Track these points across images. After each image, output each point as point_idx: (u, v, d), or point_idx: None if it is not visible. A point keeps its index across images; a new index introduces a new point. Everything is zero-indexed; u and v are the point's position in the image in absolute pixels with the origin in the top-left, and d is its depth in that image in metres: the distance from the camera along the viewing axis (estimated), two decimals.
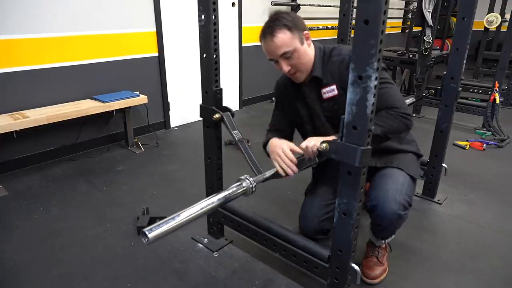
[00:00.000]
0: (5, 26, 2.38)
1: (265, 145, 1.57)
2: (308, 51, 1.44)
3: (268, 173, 1.52)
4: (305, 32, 1.42)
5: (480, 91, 4.38)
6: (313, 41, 1.49)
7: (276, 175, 1.46)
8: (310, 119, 1.59)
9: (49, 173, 2.59)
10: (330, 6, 4.87)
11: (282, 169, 1.37)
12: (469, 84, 4.58)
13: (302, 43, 1.40)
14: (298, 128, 1.71)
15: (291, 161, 1.36)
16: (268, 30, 1.37)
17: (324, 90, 1.47)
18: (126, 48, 3.05)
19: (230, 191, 1.38)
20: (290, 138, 1.69)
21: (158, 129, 3.46)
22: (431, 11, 2.81)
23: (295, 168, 1.36)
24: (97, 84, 2.92)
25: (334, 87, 1.45)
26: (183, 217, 1.19)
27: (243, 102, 4.37)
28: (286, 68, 1.41)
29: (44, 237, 1.87)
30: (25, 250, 1.78)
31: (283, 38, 1.35)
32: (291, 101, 1.60)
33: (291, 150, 1.38)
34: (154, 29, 3.20)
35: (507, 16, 4.92)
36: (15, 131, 2.35)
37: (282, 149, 1.38)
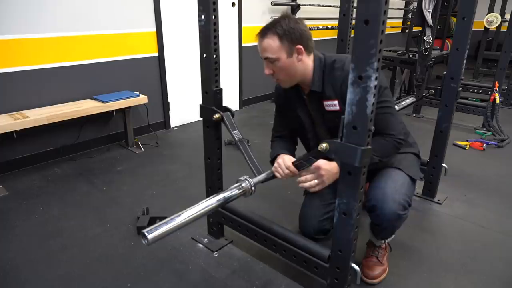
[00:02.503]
0: (5, 26, 2.38)
1: (272, 160, 1.60)
2: (296, 66, 1.40)
3: (267, 174, 1.52)
4: (298, 46, 1.37)
5: (480, 91, 4.38)
6: (314, 51, 1.46)
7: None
8: (312, 127, 1.59)
9: (49, 173, 2.59)
10: (330, 6, 4.87)
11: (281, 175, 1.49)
12: (469, 84, 4.58)
13: (289, 55, 1.37)
14: (300, 136, 1.71)
15: (288, 168, 1.44)
16: (262, 30, 1.39)
17: (326, 103, 1.47)
18: (126, 48, 3.05)
19: (229, 192, 1.38)
20: (295, 143, 1.73)
21: (158, 129, 3.46)
22: (431, 11, 2.81)
23: (288, 172, 1.45)
24: (97, 84, 2.92)
25: (336, 102, 1.44)
26: (182, 219, 1.20)
27: (243, 102, 4.37)
28: (266, 70, 1.43)
29: (44, 237, 1.87)
30: (25, 250, 1.78)
31: (270, 43, 1.36)
32: (293, 109, 1.59)
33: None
34: (154, 29, 3.20)
35: (507, 16, 4.92)
36: (15, 131, 2.35)
37: (283, 158, 1.48)
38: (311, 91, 1.47)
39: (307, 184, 1.38)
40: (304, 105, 1.56)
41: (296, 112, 1.59)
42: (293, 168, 1.42)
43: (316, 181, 1.36)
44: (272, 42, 1.36)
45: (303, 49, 1.39)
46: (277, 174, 1.49)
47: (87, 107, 2.65)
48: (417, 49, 3.62)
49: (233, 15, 3.96)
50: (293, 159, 1.47)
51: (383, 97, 1.40)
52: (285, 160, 1.46)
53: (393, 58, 4.01)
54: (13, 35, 2.43)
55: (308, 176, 1.38)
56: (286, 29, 1.35)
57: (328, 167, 1.34)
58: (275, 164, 1.49)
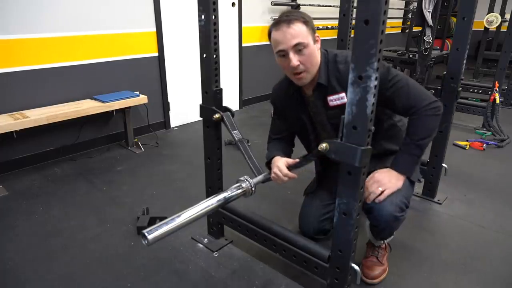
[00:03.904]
0: (5, 26, 2.38)
1: (267, 163, 1.59)
2: (317, 53, 1.41)
3: (267, 174, 1.52)
4: (316, 35, 1.40)
5: (480, 91, 4.38)
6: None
7: None
8: (313, 128, 1.58)
9: (49, 173, 2.59)
10: (330, 6, 4.87)
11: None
12: (469, 84, 4.58)
13: (314, 42, 1.39)
14: (300, 138, 1.70)
15: (286, 175, 1.45)
16: (285, 19, 1.33)
17: (330, 98, 1.44)
18: (126, 48, 3.05)
19: (229, 192, 1.39)
20: (292, 145, 1.73)
21: (158, 129, 3.46)
22: (431, 11, 2.81)
23: (287, 179, 1.47)
24: (97, 84, 2.92)
25: (343, 95, 1.40)
26: (182, 219, 1.20)
27: (243, 102, 4.36)
28: (295, 62, 1.33)
29: (44, 237, 1.87)
30: (25, 250, 1.78)
31: (300, 28, 1.32)
32: (293, 110, 1.58)
33: (288, 165, 1.47)
34: (154, 29, 3.20)
35: (507, 16, 4.92)
36: (15, 131, 2.35)
37: (278, 167, 1.47)
38: (317, 85, 1.44)
39: (371, 196, 1.38)
40: (305, 105, 1.55)
41: (297, 114, 1.57)
42: (291, 175, 1.44)
43: (374, 187, 1.38)
44: (302, 26, 1.33)
45: (319, 37, 1.41)
46: (277, 182, 1.49)
47: (87, 107, 2.65)
48: (417, 49, 3.62)
49: (233, 15, 3.95)
50: (289, 160, 1.47)
51: (392, 74, 1.37)
52: (282, 169, 1.45)
53: (393, 58, 4.02)
54: (13, 35, 2.43)
55: (369, 189, 1.40)
56: (308, 18, 1.36)
57: (379, 172, 1.42)
58: (273, 174, 1.49)
